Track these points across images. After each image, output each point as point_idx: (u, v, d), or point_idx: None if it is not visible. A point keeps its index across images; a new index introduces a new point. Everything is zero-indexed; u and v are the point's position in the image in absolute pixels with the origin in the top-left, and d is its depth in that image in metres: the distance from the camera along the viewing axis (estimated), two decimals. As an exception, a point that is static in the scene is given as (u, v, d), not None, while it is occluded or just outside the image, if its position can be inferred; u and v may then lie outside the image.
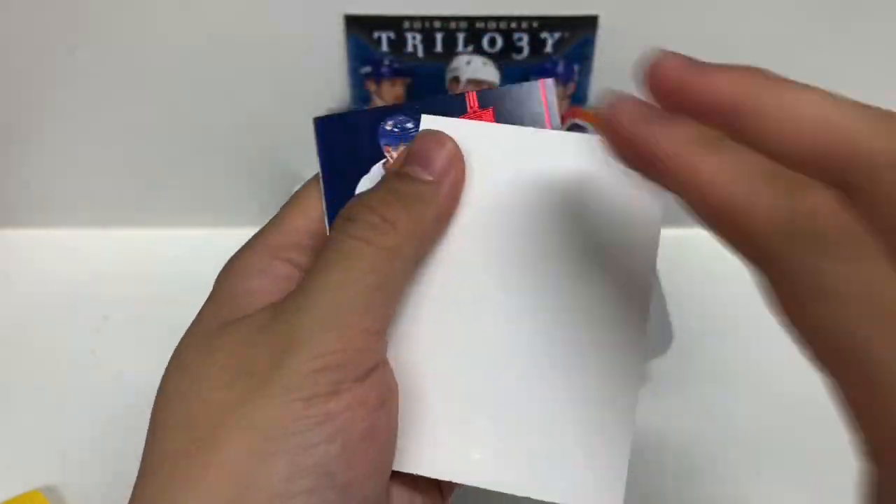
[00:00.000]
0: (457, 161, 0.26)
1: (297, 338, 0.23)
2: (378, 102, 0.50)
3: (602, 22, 0.48)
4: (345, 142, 0.28)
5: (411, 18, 0.48)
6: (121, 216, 0.57)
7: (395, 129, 0.28)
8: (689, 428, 0.47)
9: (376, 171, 0.28)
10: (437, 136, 0.26)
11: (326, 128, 0.29)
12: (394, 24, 0.48)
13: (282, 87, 0.50)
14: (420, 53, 0.49)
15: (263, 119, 0.52)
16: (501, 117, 0.28)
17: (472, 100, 0.28)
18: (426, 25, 0.48)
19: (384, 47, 0.49)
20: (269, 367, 0.23)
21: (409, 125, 0.28)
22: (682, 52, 0.19)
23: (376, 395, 0.24)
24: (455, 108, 0.28)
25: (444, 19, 0.47)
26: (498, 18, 0.47)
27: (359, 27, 0.48)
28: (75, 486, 0.45)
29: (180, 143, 0.53)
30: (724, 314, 0.51)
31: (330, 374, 0.23)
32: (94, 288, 0.54)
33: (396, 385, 0.26)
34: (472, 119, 0.28)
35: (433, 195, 0.26)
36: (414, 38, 0.48)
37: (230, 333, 0.24)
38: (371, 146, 0.28)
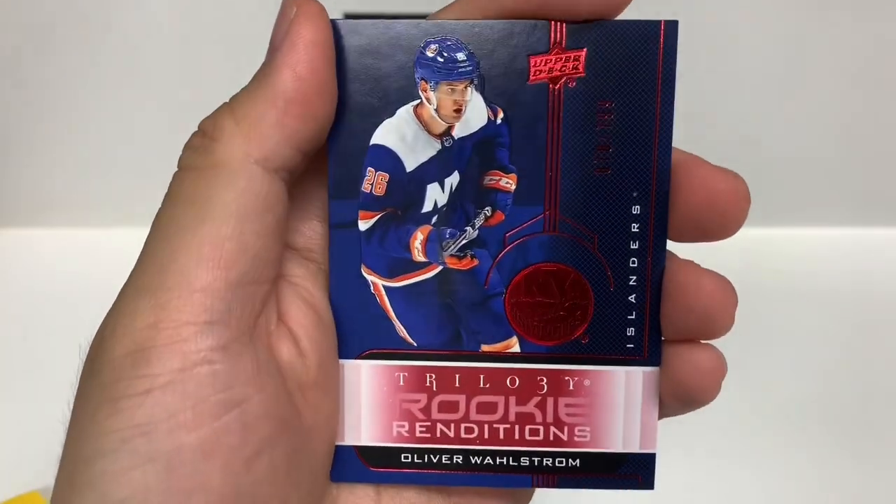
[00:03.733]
0: (299, 28, 0.18)
1: (116, 309, 0.18)
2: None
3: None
4: (366, 64, 0.20)
5: (410, 17, 0.47)
6: (120, 216, 0.56)
7: (439, 59, 0.20)
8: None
9: (403, 117, 0.20)
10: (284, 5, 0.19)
11: (342, 36, 0.20)
12: (393, 22, 0.47)
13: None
14: (418, 53, 0.49)
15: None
16: (594, 65, 0.20)
17: (558, 32, 0.20)
18: (425, 25, 0.47)
19: (382, 45, 0.48)
20: (93, 353, 0.18)
21: (461, 55, 0.20)
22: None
23: (217, 391, 0.17)
24: (533, 41, 0.20)
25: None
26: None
27: (357, 24, 0.47)
28: (74, 487, 0.44)
29: (180, 142, 0.53)
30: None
31: (139, 360, 0.17)
32: (93, 288, 0.53)
33: (281, 374, 0.19)
34: (555, 58, 0.20)
35: (264, 76, 0.18)
36: (412, 37, 0.48)
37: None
38: (402, 77, 0.20)
